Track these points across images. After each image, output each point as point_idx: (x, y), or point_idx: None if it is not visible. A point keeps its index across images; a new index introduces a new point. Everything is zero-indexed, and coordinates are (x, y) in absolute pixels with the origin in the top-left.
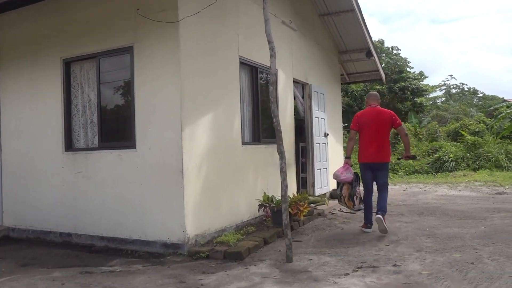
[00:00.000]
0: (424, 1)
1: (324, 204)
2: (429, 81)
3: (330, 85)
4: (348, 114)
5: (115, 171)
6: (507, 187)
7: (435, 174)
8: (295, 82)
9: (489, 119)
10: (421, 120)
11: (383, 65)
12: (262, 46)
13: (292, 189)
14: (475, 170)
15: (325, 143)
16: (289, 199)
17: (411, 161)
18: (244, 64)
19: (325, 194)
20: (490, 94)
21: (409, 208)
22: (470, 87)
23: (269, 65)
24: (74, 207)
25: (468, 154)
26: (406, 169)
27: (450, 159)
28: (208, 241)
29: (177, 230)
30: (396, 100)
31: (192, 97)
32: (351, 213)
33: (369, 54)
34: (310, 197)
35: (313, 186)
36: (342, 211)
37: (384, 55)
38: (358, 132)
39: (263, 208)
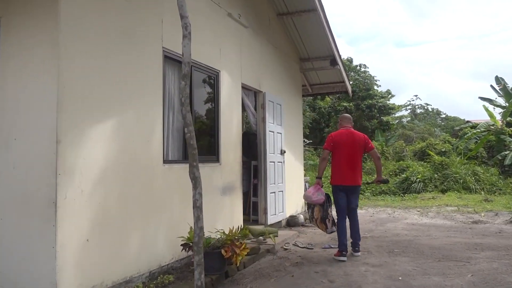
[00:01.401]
0: (389, 26)
1: (276, 236)
2: (395, 101)
3: (289, 95)
4: (315, 131)
5: None
6: (482, 214)
7: (402, 195)
8: (245, 88)
9: (454, 139)
10: (387, 139)
11: (351, 82)
12: (198, 38)
13: (236, 220)
14: (443, 191)
15: (281, 162)
16: (224, 237)
17: None
18: (172, 59)
19: (280, 221)
20: (452, 115)
21: (377, 242)
22: (433, 108)
23: (209, 64)
24: None
25: (436, 175)
26: (373, 189)
27: (418, 179)
28: None
29: None
30: (363, 118)
31: (81, 95)
32: (307, 248)
33: (333, 62)
34: (260, 227)
35: (266, 213)
36: (297, 245)
37: (352, 73)
38: (331, 153)
39: (187, 248)
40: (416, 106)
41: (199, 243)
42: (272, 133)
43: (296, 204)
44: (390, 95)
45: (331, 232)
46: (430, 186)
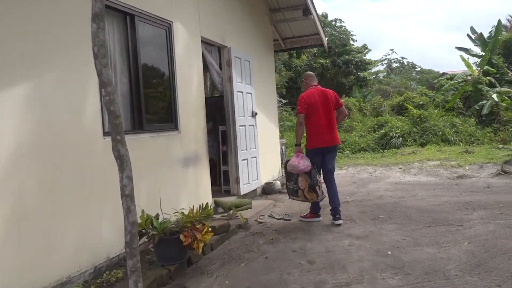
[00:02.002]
0: None
1: (250, 208)
2: (371, 56)
3: (259, 51)
4: (292, 90)
5: None
6: (467, 168)
7: (382, 151)
8: (207, 43)
9: (431, 91)
10: (365, 95)
11: (327, 38)
12: None
13: (204, 194)
14: (422, 145)
15: (253, 125)
16: (183, 218)
17: (357, 138)
18: (111, 8)
19: (255, 190)
20: (427, 68)
21: (360, 208)
22: (409, 61)
23: (158, 14)
24: None
25: (415, 129)
26: (352, 147)
27: (397, 134)
28: None
29: None
30: (340, 75)
31: None
32: (284, 220)
33: (306, 11)
34: (231, 199)
35: (238, 182)
36: (273, 217)
37: (328, 28)
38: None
39: (139, 236)
40: (392, 61)
41: (133, 242)
42: (241, 93)
43: (272, 170)
44: (366, 50)
45: (323, 199)
46: (410, 141)
